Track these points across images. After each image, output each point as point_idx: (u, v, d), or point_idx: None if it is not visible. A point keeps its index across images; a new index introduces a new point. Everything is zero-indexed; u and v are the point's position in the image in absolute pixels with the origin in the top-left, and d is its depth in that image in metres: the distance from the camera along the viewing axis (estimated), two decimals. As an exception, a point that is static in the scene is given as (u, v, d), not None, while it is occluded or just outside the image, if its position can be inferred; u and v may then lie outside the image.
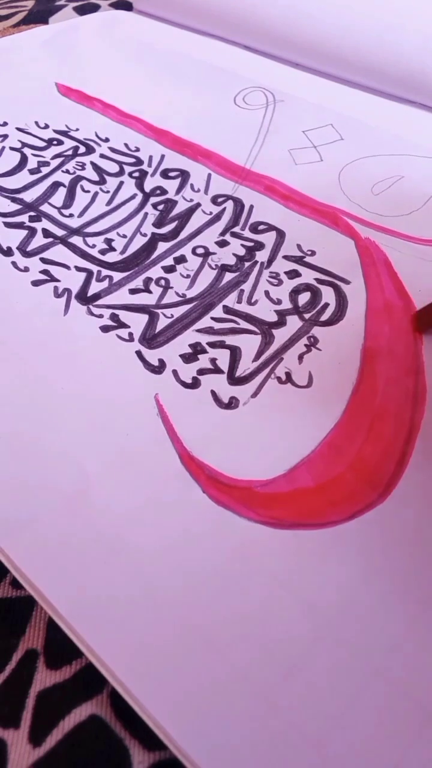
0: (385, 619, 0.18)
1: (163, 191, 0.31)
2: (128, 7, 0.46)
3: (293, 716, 0.16)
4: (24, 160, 0.32)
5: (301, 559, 0.19)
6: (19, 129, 0.34)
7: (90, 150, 0.33)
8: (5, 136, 0.34)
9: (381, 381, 0.22)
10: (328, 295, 0.26)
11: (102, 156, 0.33)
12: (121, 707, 0.17)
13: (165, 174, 0.32)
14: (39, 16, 0.49)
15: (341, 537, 0.19)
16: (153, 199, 0.30)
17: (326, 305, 0.25)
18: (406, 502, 0.19)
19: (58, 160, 0.32)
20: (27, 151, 0.33)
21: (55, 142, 0.34)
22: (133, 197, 0.30)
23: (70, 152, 0.33)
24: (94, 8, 0.49)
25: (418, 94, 0.35)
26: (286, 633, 0.17)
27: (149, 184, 0.31)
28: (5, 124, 0.35)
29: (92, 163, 0.32)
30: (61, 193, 0.31)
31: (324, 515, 0.19)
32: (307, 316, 0.25)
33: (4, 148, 0.33)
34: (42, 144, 0.33)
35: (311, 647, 0.17)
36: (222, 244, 0.28)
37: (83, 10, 0.49)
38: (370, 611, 0.18)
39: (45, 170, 0.32)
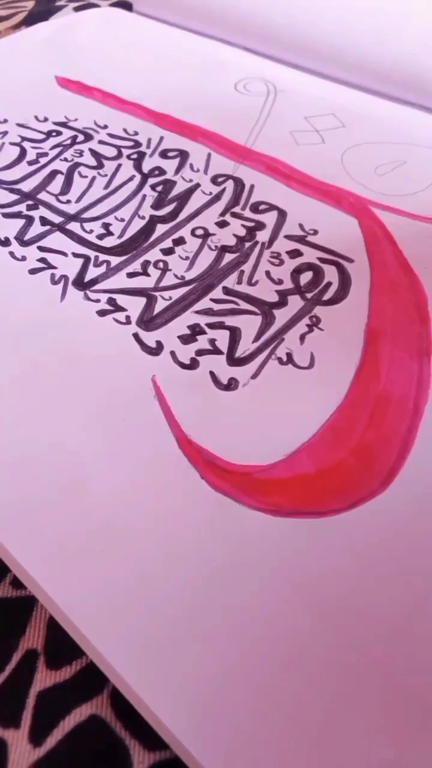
0: (384, 612, 0.16)
1: (162, 171, 0.29)
2: (128, 8, 0.44)
3: (291, 710, 0.15)
4: (23, 153, 0.30)
5: (300, 548, 0.17)
6: (19, 125, 0.32)
7: (88, 137, 0.31)
8: (5, 133, 0.32)
9: (385, 363, 0.20)
10: (330, 274, 0.24)
11: (100, 142, 0.31)
12: (122, 707, 0.16)
13: (164, 154, 0.30)
14: (39, 16, 0.47)
15: (341, 526, 0.17)
16: (151, 180, 0.28)
17: (329, 284, 0.23)
18: (408, 492, 0.18)
19: (57, 150, 0.30)
20: (26, 144, 0.31)
21: (54, 134, 0.32)
22: (131, 179, 0.29)
23: (68, 141, 0.31)
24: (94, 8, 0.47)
25: (417, 95, 0.33)
26: (284, 624, 0.16)
27: (147, 165, 0.29)
28: (5, 121, 0.33)
29: (90, 150, 0.30)
30: (59, 180, 0.29)
31: (324, 503, 0.18)
32: (309, 295, 0.23)
33: (3, 144, 0.31)
34: (41, 137, 0.31)
35: (310, 639, 0.16)
36: (222, 224, 0.26)
37: (83, 10, 0.46)
38: (369, 603, 0.16)
39: (43, 161, 0.30)
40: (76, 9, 0.47)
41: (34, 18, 0.47)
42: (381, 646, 0.15)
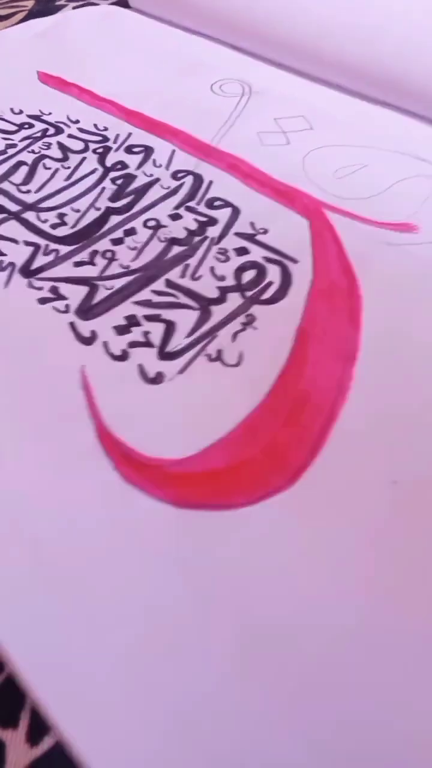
0: (277, 604, 0.15)
1: (125, 166, 0.29)
2: (127, 6, 0.44)
3: (172, 698, 0.15)
4: None
5: (202, 540, 0.17)
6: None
7: (59, 131, 0.31)
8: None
9: (309, 365, 0.20)
10: (273, 274, 0.24)
11: (69, 136, 0.31)
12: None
13: (129, 149, 0.30)
14: (39, 16, 0.47)
15: (245, 520, 0.17)
16: (113, 174, 0.28)
17: (270, 284, 0.23)
18: (312, 490, 0.17)
19: (26, 142, 0.30)
20: (-2, 136, 0.31)
21: (26, 126, 0.32)
22: (93, 172, 0.29)
23: (39, 134, 0.31)
24: None
25: (394, 96, 0.33)
26: (171, 614, 0.16)
27: (111, 159, 0.29)
28: None
29: (58, 143, 0.30)
30: (23, 171, 0.29)
31: (230, 497, 0.17)
32: (248, 294, 0.23)
33: None
34: (14, 128, 0.31)
35: (195, 630, 0.15)
36: (175, 217, 0.26)
37: None
38: (262, 595, 0.16)
39: (11, 152, 0.30)
40: (76, 8, 0.47)
41: (33, 17, 0.47)
42: (268, 637, 0.15)
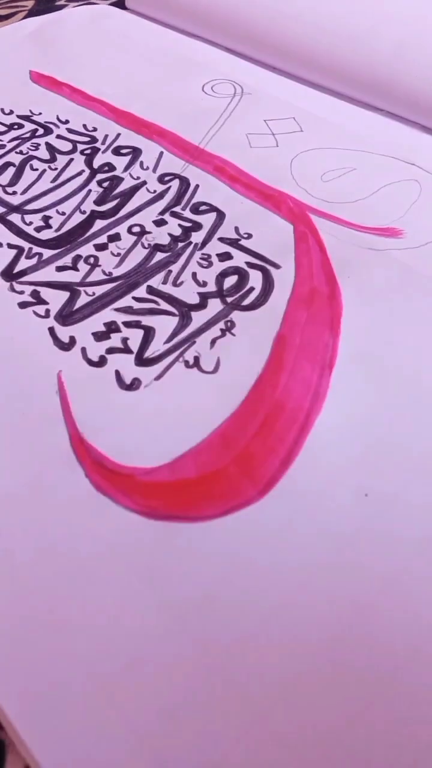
0: (240, 619, 0.15)
1: (112, 168, 0.29)
2: (123, 7, 0.44)
3: (134, 711, 0.14)
4: None
5: (169, 551, 0.17)
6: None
7: (48, 131, 0.31)
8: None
9: (285, 373, 0.20)
10: (255, 280, 0.23)
11: (58, 136, 0.31)
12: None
13: (117, 151, 0.29)
14: (39, 15, 0.47)
15: (213, 532, 0.17)
16: (99, 176, 0.28)
17: (251, 289, 0.23)
18: (283, 503, 0.17)
19: (15, 143, 0.30)
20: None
21: (15, 126, 0.31)
22: (79, 173, 0.28)
23: (28, 135, 0.31)
24: None
25: (385, 100, 0.32)
26: (133, 624, 0.15)
27: (98, 161, 0.29)
28: None
29: (46, 143, 0.30)
30: (10, 172, 0.29)
31: (199, 508, 0.17)
32: (229, 299, 0.23)
33: None
34: (3, 129, 0.31)
35: (157, 641, 0.15)
36: (159, 223, 0.26)
37: None
38: (227, 610, 0.16)
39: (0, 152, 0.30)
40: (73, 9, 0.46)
41: (33, 17, 0.47)
42: (229, 654, 0.15)
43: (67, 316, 0.23)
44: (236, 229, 0.25)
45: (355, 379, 0.20)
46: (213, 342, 0.21)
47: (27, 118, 0.32)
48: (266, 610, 0.16)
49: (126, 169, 0.29)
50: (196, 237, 0.25)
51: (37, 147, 0.30)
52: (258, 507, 0.17)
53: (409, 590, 0.16)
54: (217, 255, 0.24)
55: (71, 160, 0.29)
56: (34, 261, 0.25)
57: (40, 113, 0.32)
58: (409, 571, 0.16)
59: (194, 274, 0.24)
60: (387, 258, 0.23)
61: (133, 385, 0.20)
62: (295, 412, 0.19)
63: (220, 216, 0.26)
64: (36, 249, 0.25)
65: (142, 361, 0.21)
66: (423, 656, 0.15)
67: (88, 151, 0.30)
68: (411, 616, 0.16)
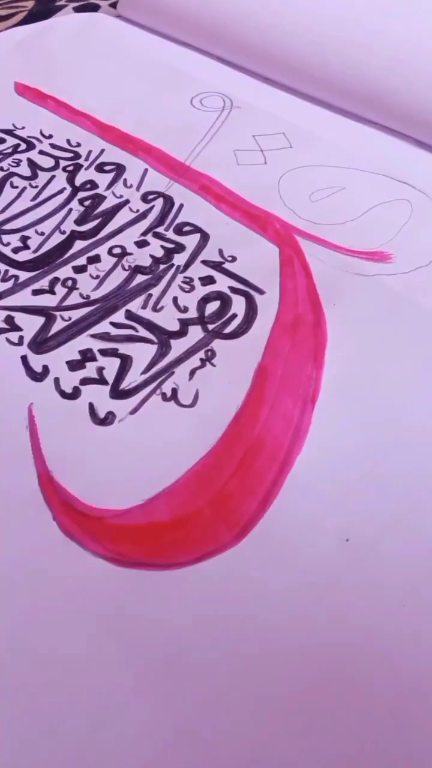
0: (214, 675, 0.14)
1: (94, 185, 0.28)
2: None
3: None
4: None
5: (138, 602, 0.16)
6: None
7: (31, 147, 0.30)
8: None
9: (266, 408, 0.19)
10: (238, 306, 0.22)
11: (41, 152, 0.30)
12: None
13: (100, 168, 0.29)
14: (39, 16, 0.46)
15: (185, 580, 0.16)
16: (81, 194, 0.27)
17: (234, 316, 0.22)
18: (260, 548, 0.16)
19: (-4, 158, 0.29)
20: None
21: None
22: (61, 191, 0.27)
23: (9, 150, 0.30)
24: (94, 8, 0.46)
25: (379, 114, 0.31)
26: (99, 680, 0.14)
27: (81, 178, 0.28)
28: None
29: (28, 159, 0.29)
30: (-10, 189, 0.28)
31: (171, 555, 0.16)
32: (210, 327, 0.22)
33: None
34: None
35: (124, 699, 0.14)
36: (141, 244, 0.25)
37: (83, 10, 0.45)
38: (199, 665, 0.15)
39: (-20, 168, 0.29)
40: (76, 9, 0.45)
41: (33, 18, 0.46)
42: (198, 716, 0.14)
43: (41, 343, 0.22)
44: (220, 251, 0.24)
45: (338, 414, 0.19)
46: (192, 373, 0.20)
47: (9, 132, 0.31)
48: (241, 665, 0.15)
49: (109, 186, 0.28)
50: (179, 259, 0.24)
51: (18, 163, 0.29)
52: (233, 553, 0.16)
53: (391, 643, 0.15)
54: (200, 279, 0.24)
55: (53, 177, 0.28)
56: (9, 284, 0.24)
57: (24, 127, 0.31)
58: (392, 622, 0.15)
59: (175, 299, 0.23)
60: (375, 284, 0.22)
61: (107, 419, 0.19)
62: (275, 450, 0.18)
63: (204, 237, 0.25)
64: (12, 271, 0.24)
65: (117, 393, 0.20)
66: (402, 712, 0.14)
67: (70, 168, 0.29)
68: (392, 674, 0.15)
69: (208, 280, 0.23)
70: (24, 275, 0.24)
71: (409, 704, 0.14)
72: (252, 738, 0.14)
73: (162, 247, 0.25)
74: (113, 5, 0.45)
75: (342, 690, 0.15)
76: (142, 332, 0.22)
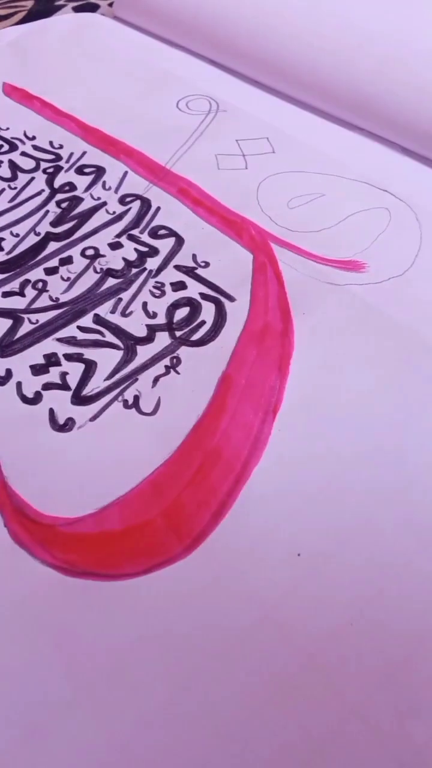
0: (155, 690, 0.14)
1: (73, 187, 0.27)
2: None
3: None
4: None
5: (82, 613, 0.15)
6: None
7: (13, 148, 0.30)
8: None
9: (226, 417, 0.19)
10: (207, 312, 0.22)
11: (23, 153, 0.29)
12: None
13: (80, 170, 0.28)
14: (39, 16, 0.46)
15: (132, 592, 0.16)
16: (59, 196, 0.27)
17: (202, 323, 0.22)
18: (210, 560, 0.16)
19: (-23, 159, 0.29)
20: None
21: None
22: (39, 193, 0.27)
23: (-8, 151, 0.30)
24: (94, 8, 0.46)
25: (365, 119, 0.31)
26: (37, 691, 0.14)
27: (60, 180, 0.28)
28: None
29: (9, 161, 0.29)
30: (-32, 190, 0.28)
31: (118, 566, 0.16)
32: (178, 333, 0.21)
33: None
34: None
35: (61, 711, 0.14)
36: (115, 246, 0.25)
37: (83, 10, 0.45)
38: (140, 680, 0.14)
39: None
40: (76, 9, 0.45)
41: (33, 17, 0.46)
42: (146, 724, 0.14)
43: (6, 346, 0.21)
44: (194, 256, 0.24)
45: (298, 425, 0.19)
46: (156, 380, 0.20)
47: (-7, 132, 0.31)
48: (184, 680, 0.15)
49: (87, 189, 0.27)
50: (152, 263, 0.24)
51: (-1, 164, 0.29)
52: (183, 565, 0.16)
53: (337, 661, 0.15)
54: (171, 284, 0.23)
55: (32, 179, 0.28)
56: (-20, 286, 0.23)
57: (8, 128, 0.31)
58: (339, 639, 0.15)
59: (145, 304, 0.23)
60: (346, 294, 0.22)
61: (67, 425, 0.19)
62: (233, 461, 0.18)
63: (179, 241, 0.25)
64: (-17, 273, 0.24)
65: (79, 399, 0.20)
66: (343, 729, 0.14)
67: (50, 170, 0.28)
68: (336, 694, 0.14)
69: (179, 286, 0.23)
70: (-5, 277, 0.24)
71: (351, 722, 0.14)
72: (191, 754, 0.14)
73: (136, 250, 0.25)
74: (113, 5, 0.45)
75: (287, 703, 0.14)
76: (109, 337, 0.22)
